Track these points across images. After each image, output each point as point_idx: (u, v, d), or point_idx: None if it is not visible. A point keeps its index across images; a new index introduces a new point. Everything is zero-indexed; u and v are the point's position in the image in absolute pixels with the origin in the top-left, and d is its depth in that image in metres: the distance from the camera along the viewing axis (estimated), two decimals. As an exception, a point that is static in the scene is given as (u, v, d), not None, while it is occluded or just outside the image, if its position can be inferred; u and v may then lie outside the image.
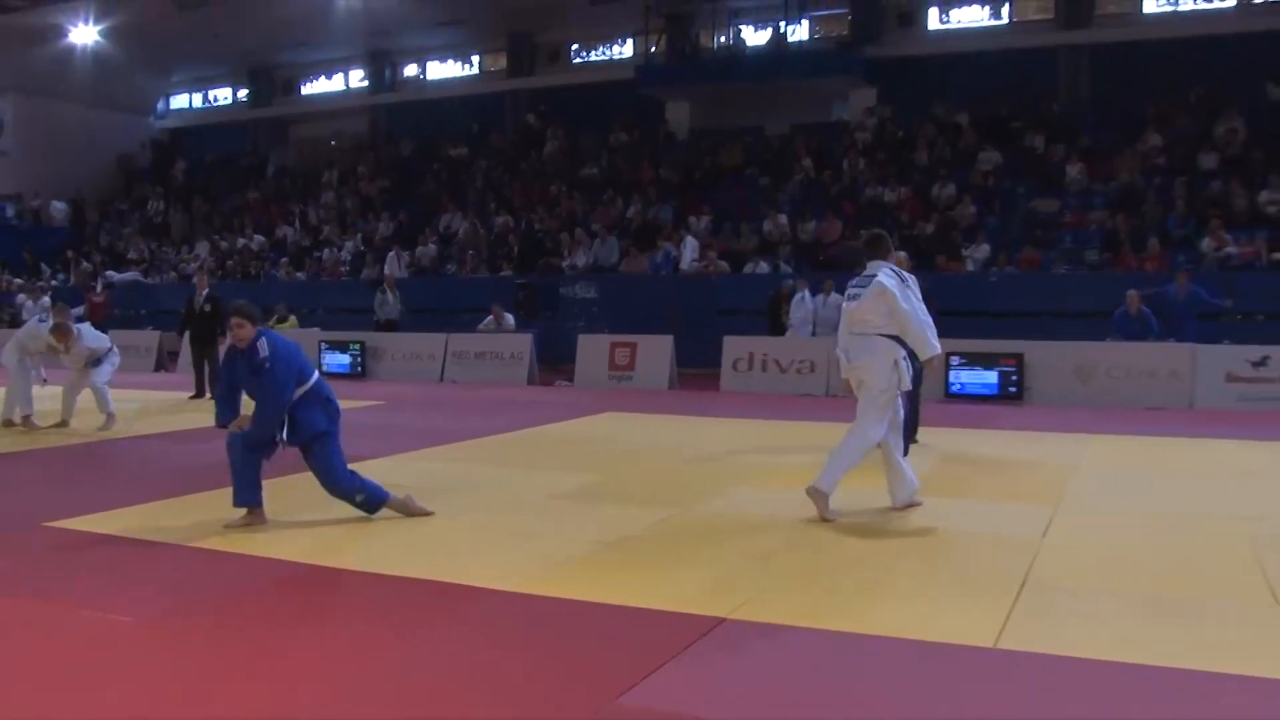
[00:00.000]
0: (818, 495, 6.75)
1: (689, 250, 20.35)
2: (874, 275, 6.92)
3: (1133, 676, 3.99)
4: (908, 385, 6.99)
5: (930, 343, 6.79)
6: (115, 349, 11.84)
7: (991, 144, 21.89)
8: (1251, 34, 22.22)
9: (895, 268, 7.06)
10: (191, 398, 14.48)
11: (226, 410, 6.84)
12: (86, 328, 11.94)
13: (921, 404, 10.39)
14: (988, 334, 15.22)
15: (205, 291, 15.18)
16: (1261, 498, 7.50)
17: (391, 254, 22.77)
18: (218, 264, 25.74)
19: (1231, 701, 3.77)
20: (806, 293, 16.76)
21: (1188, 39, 22.62)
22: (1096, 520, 6.86)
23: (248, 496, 6.62)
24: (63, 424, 11.39)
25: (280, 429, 6.58)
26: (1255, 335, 14.72)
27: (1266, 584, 5.20)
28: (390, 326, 19.65)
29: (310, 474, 6.76)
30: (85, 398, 11.58)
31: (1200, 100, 21.55)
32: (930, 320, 6.90)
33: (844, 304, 7.14)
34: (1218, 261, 16.62)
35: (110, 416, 11.38)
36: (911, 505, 7.04)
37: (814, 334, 16.44)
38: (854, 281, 7.13)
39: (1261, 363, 13.38)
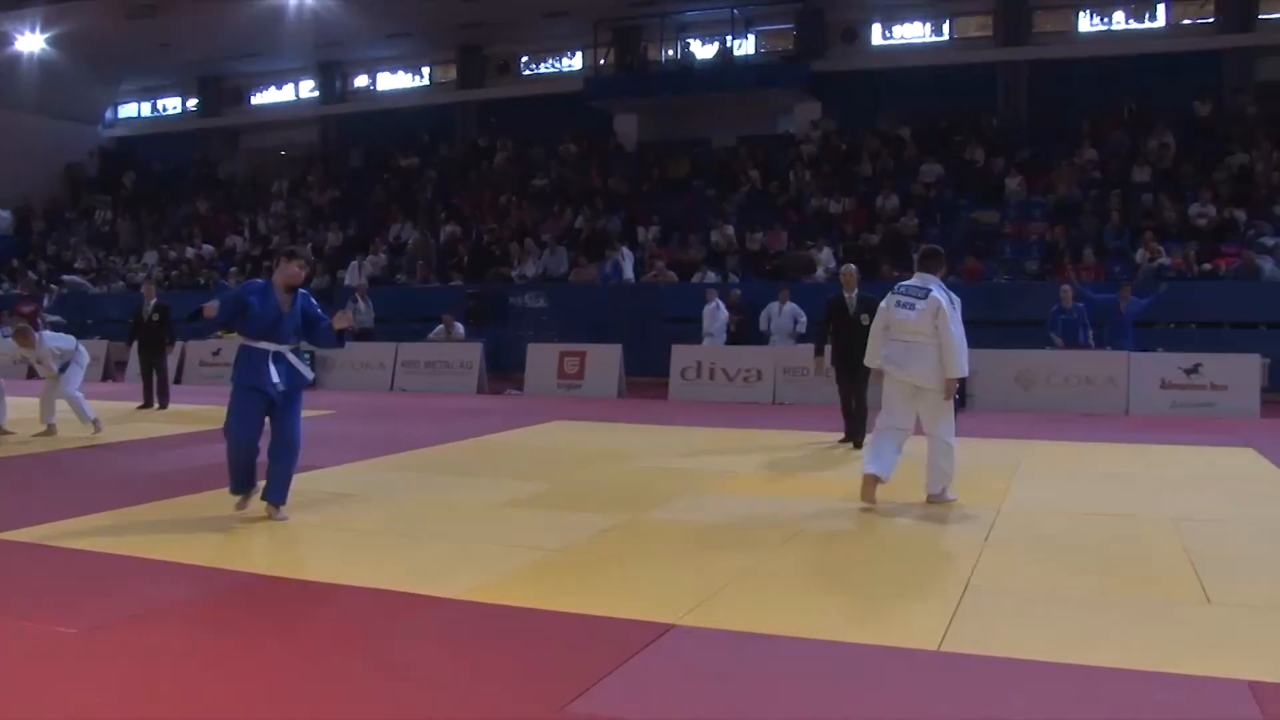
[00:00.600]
0: (940, 499, 7.48)
1: (625, 263, 20.57)
2: (928, 289, 7.38)
3: (1072, 677, 4.10)
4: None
5: (962, 365, 7.33)
6: (80, 349, 11.82)
7: (933, 157, 22.27)
8: (1180, 53, 23.03)
9: (943, 284, 7.47)
10: (140, 408, 14.37)
11: (228, 315, 7.21)
12: (47, 332, 11.93)
13: (870, 409, 10.75)
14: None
15: (153, 301, 15.07)
16: (1193, 500, 7.72)
17: (354, 263, 22.61)
18: (164, 274, 25.45)
19: (1164, 699, 3.88)
20: (719, 302, 17.08)
21: (1120, 57, 23.32)
22: (1037, 523, 7.02)
23: (247, 484, 7.00)
24: (50, 431, 11.42)
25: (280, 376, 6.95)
26: (1188, 343, 15.14)
27: (1199, 584, 5.37)
28: (364, 335, 19.46)
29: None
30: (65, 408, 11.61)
31: (1133, 116, 22.14)
32: (965, 343, 7.40)
33: (891, 309, 7.53)
34: (1151, 272, 17.05)
35: (95, 422, 11.49)
36: (943, 500, 7.48)
37: (771, 342, 16.71)
38: (903, 289, 7.56)
39: (1194, 370, 13.79)
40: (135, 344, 15.51)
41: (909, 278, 7.68)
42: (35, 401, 11.75)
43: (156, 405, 14.54)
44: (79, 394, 11.54)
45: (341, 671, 4.24)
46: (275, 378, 6.87)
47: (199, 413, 13.98)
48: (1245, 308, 16.27)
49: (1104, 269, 17.59)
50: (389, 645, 4.60)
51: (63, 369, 11.46)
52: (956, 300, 7.44)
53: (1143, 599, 5.19)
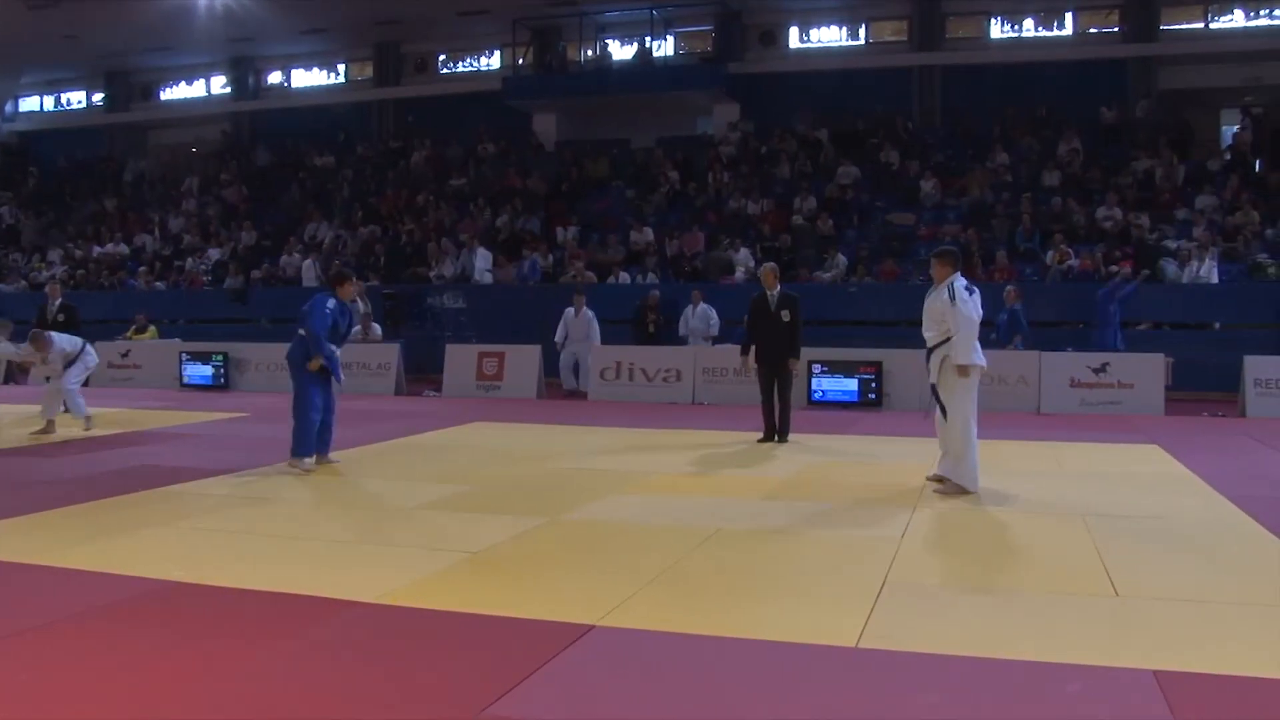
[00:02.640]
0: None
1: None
2: None
3: (986, 670, 4.18)
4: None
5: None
6: (89, 349, 12.03)
7: (850, 159, 22.55)
8: (1087, 60, 23.71)
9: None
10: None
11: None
12: (56, 334, 12.12)
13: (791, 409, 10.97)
14: (848, 342, 15.69)
15: (58, 301, 14.67)
16: (1103, 496, 7.91)
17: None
18: (69, 274, 24.78)
19: (1075, 690, 3.97)
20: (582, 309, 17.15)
21: (1030, 63, 23.95)
22: (952, 520, 7.14)
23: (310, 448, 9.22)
24: (50, 429, 11.72)
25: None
26: (1096, 342, 15.52)
27: (1108, 577, 5.51)
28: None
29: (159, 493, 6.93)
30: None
31: (1043, 121, 22.67)
32: (966, 330, 8.04)
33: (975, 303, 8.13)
34: (1060, 274, 17.46)
35: (87, 419, 11.79)
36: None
37: (687, 344, 16.80)
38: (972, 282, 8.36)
39: (1101, 369, 14.14)
40: None
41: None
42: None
43: (63, 409, 14.13)
44: (74, 389, 11.82)
45: (255, 678, 4.16)
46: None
47: (107, 416, 13.63)
48: (1150, 309, 16.74)
49: (1015, 271, 17.96)
50: (304, 650, 4.51)
51: (69, 365, 11.77)
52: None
53: (1054, 593, 5.29)
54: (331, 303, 9.39)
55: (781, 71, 26.25)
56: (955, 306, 7.92)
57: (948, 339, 7.98)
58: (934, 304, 8.14)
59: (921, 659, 4.30)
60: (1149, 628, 4.74)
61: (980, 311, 8.16)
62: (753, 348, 11.08)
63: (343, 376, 9.78)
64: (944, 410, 8.05)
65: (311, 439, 9.26)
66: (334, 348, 9.39)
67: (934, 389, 8.15)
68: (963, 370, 7.94)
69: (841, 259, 19.03)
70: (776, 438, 10.93)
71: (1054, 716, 3.81)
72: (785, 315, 10.93)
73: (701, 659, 4.38)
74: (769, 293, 11.02)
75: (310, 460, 9.22)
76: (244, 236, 25.08)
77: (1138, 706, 3.84)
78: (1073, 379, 14.27)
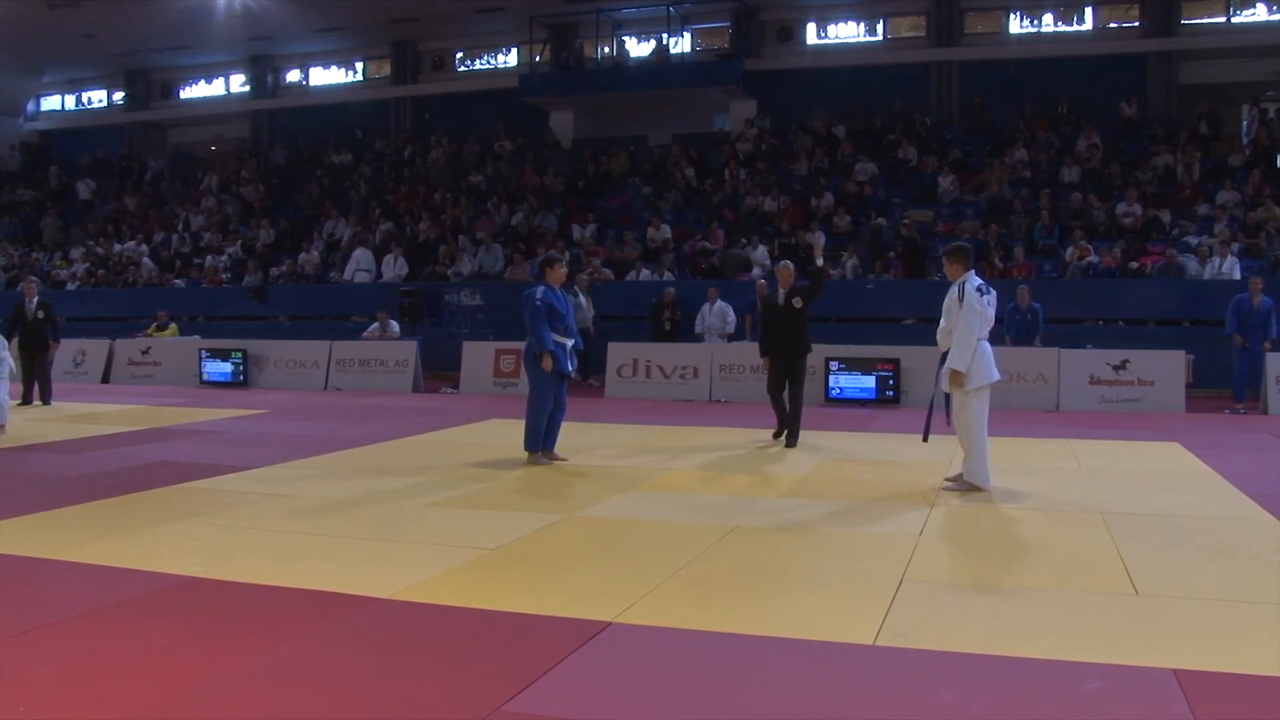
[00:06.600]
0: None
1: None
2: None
3: (1004, 669, 4.15)
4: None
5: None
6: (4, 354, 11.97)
7: (867, 155, 22.48)
8: (1106, 55, 23.58)
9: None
10: (18, 405, 14.18)
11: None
12: None
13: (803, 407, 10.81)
14: (865, 340, 15.64)
15: (35, 299, 14.96)
16: (1122, 493, 7.86)
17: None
18: (89, 272, 24.94)
19: (1094, 689, 3.93)
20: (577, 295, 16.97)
21: (1049, 59, 23.84)
22: (970, 517, 7.11)
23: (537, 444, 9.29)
24: None
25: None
26: (1115, 340, 15.44)
27: (1127, 575, 5.47)
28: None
29: (178, 489, 6.92)
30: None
31: (1061, 117, 22.56)
32: (962, 334, 7.79)
33: (984, 304, 7.89)
34: (1080, 270, 17.36)
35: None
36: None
37: (704, 341, 16.79)
38: (986, 281, 8.14)
39: (1121, 366, 14.06)
40: (15, 341, 15.32)
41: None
42: None
43: (36, 402, 14.67)
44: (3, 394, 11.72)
45: (272, 673, 4.16)
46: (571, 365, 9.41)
47: (127, 413, 13.70)
48: (1170, 305, 16.65)
49: (1034, 267, 17.88)
50: (320, 646, 4.51)
51: None
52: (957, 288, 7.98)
53: (1073, 591, 5.26)
54: (540, 291, 9.13)
55: (799, 68, 26.22)
56: (961, 307, 7.80)
57: None
58: (948, 303, 8.03)
59: (939, 657, 4.28)
60: (1169, 626, 4.70)
61: (992, 314, 8.01)
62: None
63: (570, 368, 9.44)
64: (948, 409, 8.03)
65: (539, 435, 9.31)
66: (561, 338, 9.16)
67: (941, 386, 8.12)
68: (955, 378, 7.82)
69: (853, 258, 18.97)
70: (786, 440, 10.58)
71: (1072, 716, 3.77)
72: (796, 302, 10.60)
73: (718, 656, 4.36)
74: (779, 290, 10.85)
75: (538, 454, 9.34)
76: (262, 234, 25.17)
77: (1158, 706, 3.81)
78: (1092, 376, 14.19)
